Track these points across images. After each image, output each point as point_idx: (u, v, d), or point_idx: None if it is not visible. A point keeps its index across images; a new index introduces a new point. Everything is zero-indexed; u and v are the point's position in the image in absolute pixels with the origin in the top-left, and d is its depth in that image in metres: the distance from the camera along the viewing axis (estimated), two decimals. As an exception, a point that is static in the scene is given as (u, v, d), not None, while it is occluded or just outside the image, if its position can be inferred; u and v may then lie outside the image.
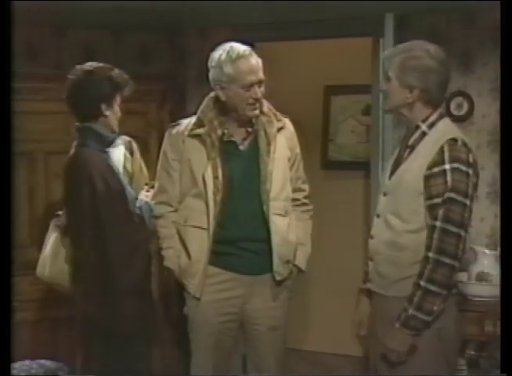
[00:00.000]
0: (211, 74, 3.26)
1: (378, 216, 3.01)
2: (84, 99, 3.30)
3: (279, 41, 4.82)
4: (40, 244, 3.53)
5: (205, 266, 3.25)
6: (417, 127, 2.93)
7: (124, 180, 3.38)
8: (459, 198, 2.79)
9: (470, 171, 2.81)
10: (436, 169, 2.82)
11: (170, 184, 3.33)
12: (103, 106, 3.30)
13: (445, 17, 4.43)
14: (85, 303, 3.29)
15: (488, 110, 4.37)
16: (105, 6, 4.08)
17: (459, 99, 4.41)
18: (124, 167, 3.46)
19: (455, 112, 4.40)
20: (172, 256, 3.30)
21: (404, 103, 2.92)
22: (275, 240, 3.26)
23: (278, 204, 3.29)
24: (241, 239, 3.25)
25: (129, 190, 3.37)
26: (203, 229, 3.24)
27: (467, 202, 2.80)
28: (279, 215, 3.29)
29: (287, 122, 3.41)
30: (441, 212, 2.79)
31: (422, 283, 2.78)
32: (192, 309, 3.35)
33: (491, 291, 3.86)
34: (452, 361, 3.01)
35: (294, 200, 3.42)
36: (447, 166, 2.80)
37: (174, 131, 3.35)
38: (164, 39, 5.03)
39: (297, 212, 3.42)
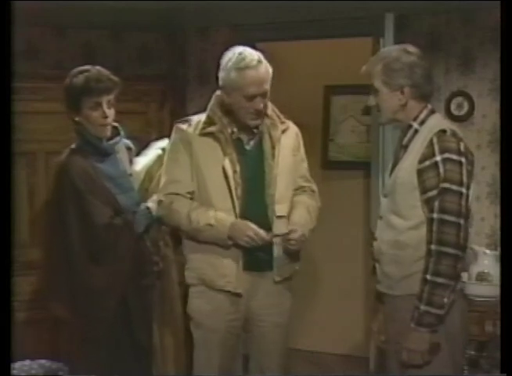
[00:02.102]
0: (220, 74, 3.24)
1: (381, 218, 3.04)
2: (64, 104, 3.32)
3: (280, 41, 4.82)
4: (40, 244, 3.55)
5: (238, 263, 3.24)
6: (409, 126, 2.95)
7: (126, 184, 3.36)
8: (454, 187, 2.79)
9: (463, 160, 2.82)
10: (427, 162, 2.83)
11: (181, 176, 3.27)
12: (72, 114, 3.29)
13: (445, 17, 4.43)
14: (55, 302, 3.33)
15: (488, 110, 4.37)
16: (105, 6, 4.08)
17: (460, 99, 4.41)
18: (149, 170, 3.45)
19: (455, 112, 4.41)
20: (205, 213, 3.21)
21: (398, 107, 2.94)
22: (276, 244, 3.25)
23: (282, 207, 3.29)
24: None
25: (130, 195, 3.36)
26: None
27: (463, 190, 2.80)
28: (283, 217, 3.29)
29: (291, 123, 3.41)
30: (436, 203, 2.80)
31: (428, 277, 2.78)
32: (196, 307, 3.35)
33: (491, 290, 3.87)
34: (458, 359, 2.99)
35: (299, 193, 3.42)
36: (438, 157, 2.81)
37: (184, 126, 3.31)
38: (164, 39, 5.03)
39: (301, 196, 3.42)
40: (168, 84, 4.70)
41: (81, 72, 3.27)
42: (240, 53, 3.18)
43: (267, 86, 3.19)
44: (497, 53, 3.64)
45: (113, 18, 4.42)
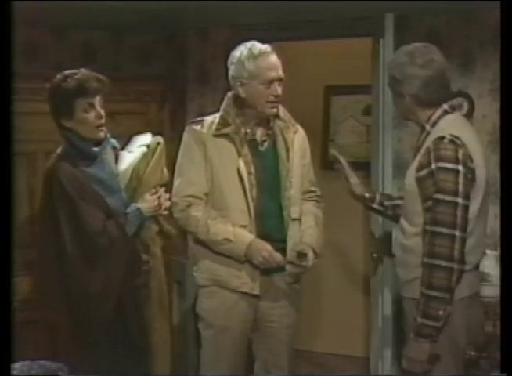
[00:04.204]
0: (232, 71, 3.29)
1: (399, 221, 3.05)
2: (51, 110, 3.31)
3: (280, 42, 4.81)
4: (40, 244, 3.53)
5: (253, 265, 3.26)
6: (423, 128, 2.95)
7: (115, 185, 3.34)
8: (447, 198, 2.74)
9: (460, 168, 2.76)
10: (425, 171, 2.81)
11: (197, 177, 3.28)
12: (62, 119, 3.27)
13: (445, 17, 4.43)
14: (50, 307, 3.34)
15: (488, 111, 4.37)
16: (105, 6, 4.08)
17: (460, 99, 4.40)
18: (135, 168, 3.43)
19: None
20: (224, 226, 3.23)
21: (406, 110, 2.96)
22: (290, 244, 3.29)
23: (297, 209, 3.34)
24: (262, 238, 3.26)
25: (119, 196, 3.34)
26: (244, 226, 3.25)
27: (458, 200, 2.75)
28: (296, 219, 3.34)
29: (299, 126, 3.46)
30: (428, 215, 2.77)
31: (423, 290, 2.77)
32: (207, 307, 3.35)
33: (491, 291, 3.86)
34: (459, 362, 3.01)
35: (307, 199, 3.46)
36: (433, 166, 2.78)
37: (197, 127, 3.33)
38: (164, 39, 5.03)
39: (310, 204, 3.46)
40: (168, 84, 4.70)
41: (70, 76, 3.25)
42: (252, 44, 3.29)
43: (281, 72, 3.28)
44: (497, 54, 3.64)
45: (113, 18, 4.42)
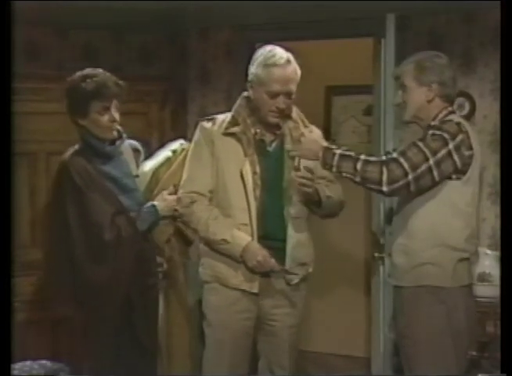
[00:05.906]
0: (249, 70, 3.30)
1: (397, 213, 3.17)
2: (67, 107, 3.31)
3: (281, 42, 4.81)
4: (41, 245, 3.54)
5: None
6: (429, 126, 3.06)
7: (130, 185, 3.34)
8: (425, 150, 2.90)
9: (451, 146, 2.92)
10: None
11: (202, 174, 3.30)
12: (76, 117, 3.27)
13: (446, 18, 4.43)
14: (57, 303, 3.34)
15: (489, 111, 4.37)
16: (106, 7, 4.08)
17: (461, 99, 4.40)
18: (156, 171, 3.45)
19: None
20: (223, 227, 3.25)
21: (424, 103, 3.07)
22: (290, 243, 3.29)
23: (298, 208, 3.33)
24: (264, 237, 3.26)
25: (133, 196, 3.34)
26: (245, 225, 3.25)
27: (430, 161, 2.89)
28: (297, 217, 3.33)
29: (314, 128, 3.41)
30: (401, 148, 2.96)
31: (359, 165, 2.98)
32: (209, 304, 3.35)
33: (492, 291, 3.86)
34: (462, 360, 3.11)
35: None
36: (430, 132, 2.97)
37: (208, 125, 3.34)
38: (165, 39, 5.03)
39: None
40: (169, 84, 4.71)
41: (89, 77, 3.24)
42: (270, 51, 3.27)
43: (292, 86, 3.25)
44: (498, 53, 3.63)
45: (114, 18, 4.43)
